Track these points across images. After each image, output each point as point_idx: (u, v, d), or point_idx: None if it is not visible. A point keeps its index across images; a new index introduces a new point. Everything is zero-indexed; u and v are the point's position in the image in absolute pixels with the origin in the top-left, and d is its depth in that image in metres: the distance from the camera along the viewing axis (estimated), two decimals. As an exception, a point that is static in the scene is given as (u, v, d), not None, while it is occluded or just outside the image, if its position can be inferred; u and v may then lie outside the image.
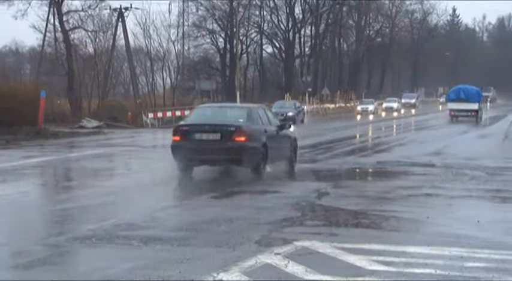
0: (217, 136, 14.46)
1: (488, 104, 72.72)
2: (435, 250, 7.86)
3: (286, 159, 16.40)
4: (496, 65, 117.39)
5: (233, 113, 15.73)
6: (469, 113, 45.77)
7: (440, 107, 73.36)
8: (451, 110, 46.94)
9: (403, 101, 74.90)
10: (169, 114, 42.52)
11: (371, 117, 55.07)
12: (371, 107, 61.76)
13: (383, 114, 61.20)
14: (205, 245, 8.13)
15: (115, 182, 14.65)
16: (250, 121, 14.96)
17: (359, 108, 62.51)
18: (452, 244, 8.21)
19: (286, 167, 16.40)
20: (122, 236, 8.53)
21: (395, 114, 61.87)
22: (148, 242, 8.22)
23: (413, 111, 67.48)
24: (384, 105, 68.23)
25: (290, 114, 41.22)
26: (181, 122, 16.08)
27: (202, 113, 16.12)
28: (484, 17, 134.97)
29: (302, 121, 43.40)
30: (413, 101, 76.04)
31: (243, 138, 14.39)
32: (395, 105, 68.49)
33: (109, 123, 37.84)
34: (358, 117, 55.01)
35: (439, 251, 7.81)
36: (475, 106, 46.03)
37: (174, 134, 15.03)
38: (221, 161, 14.81)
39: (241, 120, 14.88)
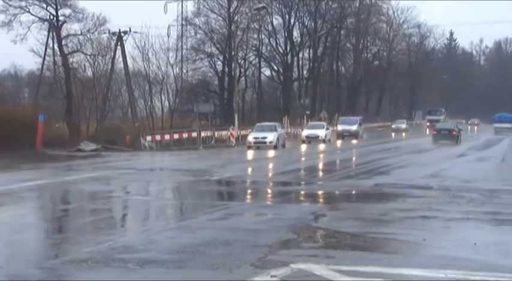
0: None
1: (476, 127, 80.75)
2: (431, 273, 7.85)
3: None
4: (493, 89, 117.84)
5: None
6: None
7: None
8: (495, 128, 75.45)
9: (339, 128, 55.73)
10: (167, 137, 42.59)
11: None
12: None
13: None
14: (201, 267, 8.12)
15: (112, 204, 14.63)
16: None
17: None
18: (448, 266, 8.19)
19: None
20: (118, 259, 8.52)
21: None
22: (145, 265, 8.20)
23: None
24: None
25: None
26: None
27: None
28: (481, 41, 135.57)
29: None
30: (354, 128, 54.69)
31: None
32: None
33: (107, 147, 37.87)
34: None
35: (435, 274, 7.81)
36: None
37: None
38: None
39: None
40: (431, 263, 8.39)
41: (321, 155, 34.79)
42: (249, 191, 17.74)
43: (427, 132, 69.37)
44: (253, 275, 7.60)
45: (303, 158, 33.05)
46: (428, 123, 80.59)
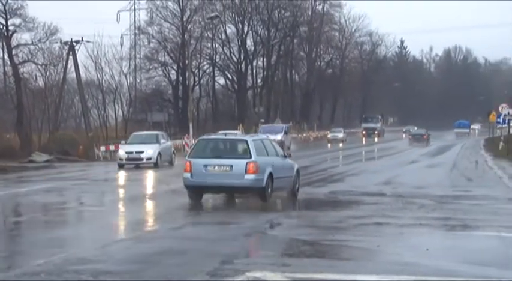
0: None
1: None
2: (385, 278, 7.96)
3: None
4: (443, 96, 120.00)
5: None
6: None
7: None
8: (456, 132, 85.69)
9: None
10: (121, 146, 42.13)
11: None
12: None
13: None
14: (156, 278, 8.07)
15: (65, 216, 14.45)
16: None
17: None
18: (402, 272, 8.31)
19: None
20: (71, 271, 8.41)
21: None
22: (99, 276, 8.12)
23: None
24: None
25: None
26: None
27: None
28: (431, 49, 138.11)
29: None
30: (278, 137, 46.10)
31: None
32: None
33: (60, 157, 37.33)
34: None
35: (389, 279, 7.91)
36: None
37: None
38: None
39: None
40: (386, 269, 8.50)
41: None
42: (205, 199, 17.68)
43: (363, 141, 68.07)
44: (209, 285, 7.59)
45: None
46: (364, 132, 78.63)
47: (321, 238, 10.96)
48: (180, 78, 66.77)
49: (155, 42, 66.57)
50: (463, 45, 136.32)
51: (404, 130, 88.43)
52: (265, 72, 77.45)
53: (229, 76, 75.29)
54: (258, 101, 73.18)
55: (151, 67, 67.12)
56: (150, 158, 29.62)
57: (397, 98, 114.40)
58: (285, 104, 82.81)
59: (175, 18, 66.57)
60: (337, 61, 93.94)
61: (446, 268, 8.68)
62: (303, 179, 21.90)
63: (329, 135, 67.19)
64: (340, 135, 66.51)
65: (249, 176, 15.46)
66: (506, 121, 41.14)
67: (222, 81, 76.29)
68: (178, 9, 66.19)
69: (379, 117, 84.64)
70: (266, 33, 76.19)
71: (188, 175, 15.81)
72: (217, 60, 72.97)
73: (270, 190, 15.96)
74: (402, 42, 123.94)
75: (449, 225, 12.62)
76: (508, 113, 38.66)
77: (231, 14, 72.91)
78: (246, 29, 74.73)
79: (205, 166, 15.75)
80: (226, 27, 73.03)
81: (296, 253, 9.75)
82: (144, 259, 9.21)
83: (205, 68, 73.07)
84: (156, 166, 29.24)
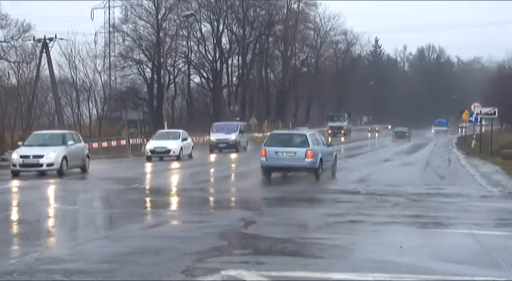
0: None
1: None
2: (360, 276, 7.99)
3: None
4: (417, 94, 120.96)
5: None
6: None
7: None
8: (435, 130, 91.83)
9: (213, 137, 45.70)
10: (95, 145, 41.92)
11: None
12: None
13: None
14: (130, 277, 8.02)
15: (38, 214, 14.30)
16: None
17: None
18: (376, 269, 8.35)
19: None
20: (44, 270, 8.33)
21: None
22: (72, 276, 8.05)
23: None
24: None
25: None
26: None
27: None
28: (405, 48, 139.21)
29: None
30: (232, 136, 43.67)
31: None
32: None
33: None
34: None
35: (363, 277, 7.95)
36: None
37: None
38: None
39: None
40: (360, 267, 8.54)
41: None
42: (179, 198, 17.65)
43: (329, 140, 65.75)
44: (183, 284, 7.57)
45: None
46: (329, 131, 75.53)
47: (296, 236, 10.99)
48: (155, 76, 66.51)
49: (130, 40, 66.26)
50: (436, 44, 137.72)
51: (390, 128, 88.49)
52: (240, 71, 77.44)
53: (205, 74, 75.16)
54: (233, 99, 73.17)
55: (125, 65, 66.76)
56: (51, 164, 24.39)
57: (372, 96, 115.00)
58: (260, 103, 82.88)
59: (150, 16, 66.27)
60: (312, 60, 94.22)
61: (420, 265, 8.74)
62: (276, 179, 21.99)
63: None
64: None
65: (308, 160, 21.35)
66: (478, 120, 41.57)
67: (197, 79, 76.25)
68: (153, 7, 65.92)
69: (346, 115, 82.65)
70: (241, 31, 76.18)
71: (264, 158, 21.71)
72: (192, 58, 72.83)
73: (320, 170, 21.66)
74: (376, 41, 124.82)
75: (423, 223, 12.72)
76: (480, 111, 39.03)
77: (206, 12, 72.78)
78: (221, 27, 74.71)
79: (276, 152, 21.61)
80: (202, 26, 73.02)
81: (271, 251, 9.76)
82: (118, 258, 9.14)
83: (180, 66, 72.90)
84: (60, 173, 24.26)
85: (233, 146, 42.75)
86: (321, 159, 21.74)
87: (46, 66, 49.84)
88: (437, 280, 7.92)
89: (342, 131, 76.91)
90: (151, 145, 35.16)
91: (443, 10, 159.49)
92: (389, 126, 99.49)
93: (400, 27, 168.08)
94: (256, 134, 66.47)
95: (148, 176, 26.26)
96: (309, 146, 21.53)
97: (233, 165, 32.14)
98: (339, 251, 9.76)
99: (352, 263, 8.82)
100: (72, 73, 49.57)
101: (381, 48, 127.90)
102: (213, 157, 38.11)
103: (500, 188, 19.65)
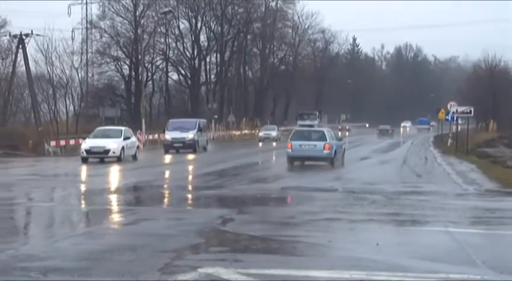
0: None
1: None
2: (336, 274, 8.03)
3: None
4: (394, 93, 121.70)
5: None
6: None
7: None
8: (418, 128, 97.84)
9: (168, 136, 40.03)
10: (72, 142, 41.62)
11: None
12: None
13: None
14: (107, 275, 7.99)
15: (14, 211, 14.20)
16: None
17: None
18: (353, 267, 8.40)
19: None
20: (19, 268, 8.27)
21: None
22: (48, 274, 8.00)
23: None
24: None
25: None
26: None
27: None
28: (382, 47, 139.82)
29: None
30: (190, 135, 39.23)
31: None
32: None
33: (8, 152, 36.67)
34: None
35: (340, 275, 7.99)
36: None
37: None
38: None
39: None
40: (337, 264, 8.58)
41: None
42: (157, 196, 17.60)
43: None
44: (160, 281, 7.55)
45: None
46: None
47: (273, 233, 11.01)
48: (133, 73, 66.18)
49: (107, 37, 65.82)
50: (414, 43, 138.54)
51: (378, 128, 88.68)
52: (218, 68, 77.30)
53: (183, 72, 74.92)
54: (212, 97, 73.01)
55: (103, 62, 66.36)
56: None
57: (350, 95, 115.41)
58: (239, 100, 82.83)
59: (128, 13, 65.92)
60: (291, 58, 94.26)
61: (396, 263, 8.80)
62: (252, 177, 22.02)
63: (261, 134, 60.38)
64: (274, 133, 59.74)
65: (325, 151, 26.72)
66: (455, 118, 41.90)
67: (175, 76, 75.93)
68: (131, 4, 65.57)
69: (317, 113, 79.39)
70: (220, 29, 76.05)
71: (290, 150, 27.03)
72: (170, 55, 72.56)
73: (334, 159, 27.07)
74: (354, 39, 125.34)
75: (399, 220, 12.80)
76: (456, 110, 39.35)
77: (184, 9, 72.53)
78: (199, 24, 74.49)
79: (300, 145, 26.95)
80: (180, 23, 72.71)
81: (248, 248, 9.77)
82: (94, 255, 9.10)
83: (158, 63, 72.58)
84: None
85: (190, 146, 38.77)
86: (335, 150, 27.09)
87: (22, 62, 49.26)
88: (413, 276, 7.97)
89: None
90: (87, 144, 30.81)
91: (420, 9, 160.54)
92: (367, 125, 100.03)
93: (378, 26, 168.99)
94: (234, 132, 66.52)
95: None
96: (326, 140, 26.87)
97: (188, 168, 28.39)
98: (316, 249, 9.80)
99: (329, 261, 8.87)
100: (49, 69, 48.96)
101: (359, 47, 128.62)
102: (165, 159, 34.08)
103: (476, 187, 19.83)
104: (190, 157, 35.29)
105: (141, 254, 9.12)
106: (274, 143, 52.64)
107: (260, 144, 52.49)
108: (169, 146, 38.70)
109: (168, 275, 7.89)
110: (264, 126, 66.06)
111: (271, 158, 35.90)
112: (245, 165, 28.74)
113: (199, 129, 40.25)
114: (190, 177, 24.03)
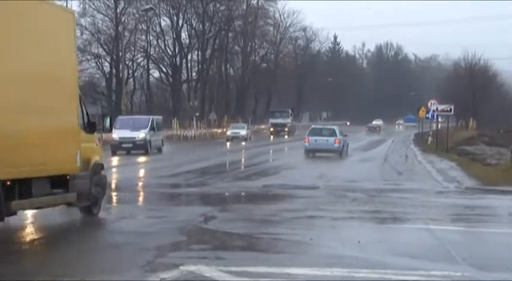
0: None
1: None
2: (318, 271, 8.06)
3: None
4: (375, 91, 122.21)
5: None
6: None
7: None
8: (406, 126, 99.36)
9: (115, 135, 34.50)
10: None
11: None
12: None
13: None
14: (88, 272, 7.96)
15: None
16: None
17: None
18: (334, 264, 8.44)
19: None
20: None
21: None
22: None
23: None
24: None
25: None
26: None
27: None
28: (363, 45, 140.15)
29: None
30: (141, 134, 34.50)
31: None
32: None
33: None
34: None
35: (321, 272, 8.02)
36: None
37: None
38: None
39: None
40: (318, 261, 8.62)
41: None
42: (139, 193, 17.54)
43: (272, 139, 60.10)
44: (142, 279, 7.54)
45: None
46: (272, 129, 67.89)
47: (255, 231, 11.02)
48: (114, 70, 65.89)
49: (88, 34, 65.42)
50: (394, 42, 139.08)
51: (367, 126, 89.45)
52: (200, 66, 77.16)
53: (164, 69, 74.73)
54: (193, 94, 72.83)
55: (83, 59, 65.86)
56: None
57: (331, 93, 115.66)
58: (220, 98, 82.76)
59: (109, 10, 65.57)
60: (272, 55, 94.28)
61: (377, 260, 8.86)
62: (239, 174, 22.03)
63: (228, 132, 55.42)
64: (243, 132, 55.05)
65: (336, 145, 32.26)
66: (435, 117, 42.16)
67: (156, 74, 75.71)
68: (112, 1, 65.19)
69: (290, 111, 72.21)
70: (201, 26, 75.86)
71: (307, 144, 32.81)
72: (151, 53, 72.30)
73: (342, 151, 32.44)
74: (335, 37, 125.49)
75: (380, 218, 12.88)
76: (437, 108, 39.58)
77: (165, 7, 72.25)
78: (180, 22, 74.25)
79: (315, 140, 32.58)
80: (161, 20, 72.42)
81: (230, 246, 9.78)
82: (77, 254, 9.07)
83: (139, 60, 72.35)
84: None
85: (142, 147, 34.24)
86: (342, 144, 32.72)
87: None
88: (394, 273, 8.02)
89: (286, 129, 67.49)
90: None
91: (400, 8, 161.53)
92: (348, 123, 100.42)
93: (359, 25, 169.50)
94: (215, 130, 66.39)
95: None
96: (337, 136, 32.55)
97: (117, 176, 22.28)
98: (298, 246, 9.83)
99: (311, 258, 8.90)
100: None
101: (340, 45, 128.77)
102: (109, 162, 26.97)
103: (456, 184, 19.99)
104: (140, 159, 31.07)
105: (123, 252, 9.11)
106: (243, 143, 49.82)
107: (228, 144, 48.40)
108: (116, 147, 33.84)
109: (150, 272, 7.88)
110: (232, 124, 61.02)
111: (239, 159, 32.48)
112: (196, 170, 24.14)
113: (153, 128, 35.44)
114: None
